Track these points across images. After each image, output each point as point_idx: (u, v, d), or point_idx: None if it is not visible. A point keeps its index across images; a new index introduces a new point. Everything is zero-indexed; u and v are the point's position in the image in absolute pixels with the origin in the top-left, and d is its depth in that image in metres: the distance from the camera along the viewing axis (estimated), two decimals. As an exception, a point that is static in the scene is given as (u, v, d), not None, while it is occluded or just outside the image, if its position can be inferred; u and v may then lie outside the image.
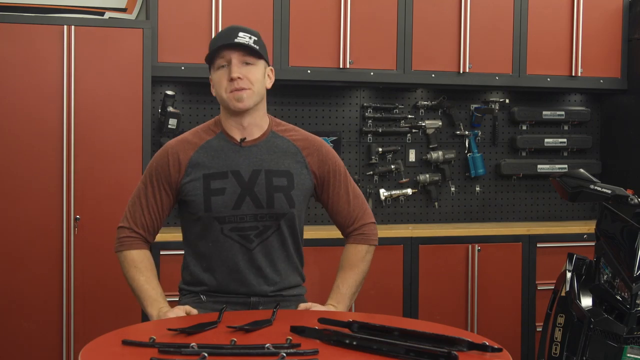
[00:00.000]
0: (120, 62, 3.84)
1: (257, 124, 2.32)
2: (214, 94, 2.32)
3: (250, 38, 2.24)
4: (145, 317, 3.89)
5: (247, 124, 2.30)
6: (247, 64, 2.24)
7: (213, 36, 3.98)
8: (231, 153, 2.29)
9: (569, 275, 3.00)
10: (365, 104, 4.61)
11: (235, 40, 2.22)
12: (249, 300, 2.31)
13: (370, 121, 4.61)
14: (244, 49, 2.23)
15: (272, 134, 2.34)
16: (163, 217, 2.35)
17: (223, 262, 2.30)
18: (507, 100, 4.79)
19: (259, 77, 2.26)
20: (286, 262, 2.35)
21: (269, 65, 2.33)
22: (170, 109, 4.14)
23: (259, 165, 2.29)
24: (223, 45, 2.23)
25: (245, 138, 2.30)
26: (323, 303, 2.34)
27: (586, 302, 2.89)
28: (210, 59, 2.27)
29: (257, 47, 2.25)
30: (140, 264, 2.31)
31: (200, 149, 2.30)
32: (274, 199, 2.28)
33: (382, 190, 4.61)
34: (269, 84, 2.33)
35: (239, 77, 2.22)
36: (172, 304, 2.42)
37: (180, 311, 2.17)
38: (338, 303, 2.34)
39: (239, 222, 2.27)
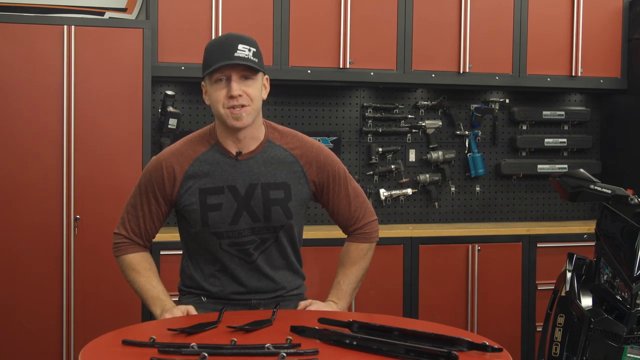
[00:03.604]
0: (120, 62, 3.84)
1: (253, 136, 2.27)
2: (207, 102, 2.26)
3: (249, 50, 2.17)
4: (145, 317, 3.91)
5: (243, 137, 2.25)
6: (246, 78, 2.18)
7: (213, 36, 4.00)
8: (227, 167, 2.25)
9: (569, 275, 3.00)
10: (365, 104, 4.61)
11: (236, 54, 2.14)
12: (249, 302, 2.32)
13: (370, 121, 4.61)
14: (245, 67, 2.16)
15: (268, 144, 2.29)
16: (158, 226, 2.35)
17: (223, 274, 2.30)
18: (507, 100, 4.79)
19: (257, 93, 2.20)
20: (286, 268, 2.36)
21: (265, 75, 2.26)
22: (170, 109, 4.13)
23: (256, 179, 2.25)
24: (225, 64, 2.14)
25: (241, 152, 2.26)
26: (323, 301, 2.34)
27: (586, 302, 2.89)
28: (207, 73, 2.18)
29: (257, 61, 2.18)
30: (138, 266, 2.32)
31: (195, 162, 2.26)
32: (271, 212, 2.25)
33: (382, 190, 4.61)
34: (265, 94, 2.26)
35: (239, 95, 2.16)
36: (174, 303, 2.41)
37: (182, 310, 2.19)
38: (339, 299, 2.34)
39: (237, 237, 2.26)
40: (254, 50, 2.19)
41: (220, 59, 2.15)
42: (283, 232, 2.30)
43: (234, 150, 2.26)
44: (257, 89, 2.21)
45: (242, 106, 2.17)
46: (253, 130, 2.26)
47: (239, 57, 2.15)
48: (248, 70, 2.17)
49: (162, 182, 2.26)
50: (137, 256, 2.33)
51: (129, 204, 2.34)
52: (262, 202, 2.25)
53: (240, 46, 2.16)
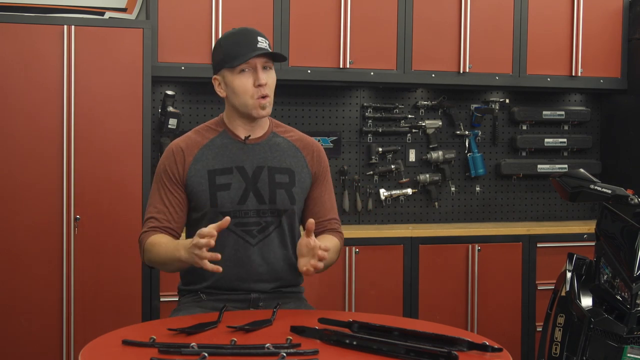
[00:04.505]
0: (120, 62, 3.84)
1: (262, 124, 2.39)
2: (222, 94, 2.35)
3: (266, 42, 2.30)
4: (145, 317, 3.92)
5: (254, 125, 2.36)
6: (266, 68, 2.31)
7: (213, 36, 4.00)
8: (236, 150, 2.34)
9: (569, 275, 3.00)
10: (365, 104, 4.61)
11: (258, 45, 2.27)
12: (249, 297, 2.32)
13: (370, 121, 4.61)
14: (270, 56, 2.30)
15: (272, 134, 2.40)
16: (177, 216, 2.32)
17: (225, 258, 2.30)
18: (507, 100, 4.79)
19: (274, 84, 2.34)
20: (285, 260, 2.37)
21: None
22: (170, 109, 4.13)
23: (262, 162, 2.34)
24: (258, 53, 2.25)
25: (249, 135, 2.35)
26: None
27: (586, 302, 2.89)
28: (236, 63, 2.26)
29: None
30: (155, 240, 2.26)
31: (204, 147, 2.34)
32: (276, 195, 2.32)
33: (382, 190, 4.61)
34: None
35: (265, 83, 2.28)
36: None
37: (199, 236, 2.03)
38: None
39: (242, 217, 2.31)
40: (268, 42, 2.33)
41: (246, 50, 2.26)
42: (286, 218, 2.34)
43: (242, 135, 2.36)
44: (275, 79, 2.34)
45: (267, 96, 2.30)
46: (263, 120, 2.39)
47: (262, 48, 2.28)
48: (272, 59, 2.32)
49: (174, 166, 2.32)
50: (155, 236, 2.28)
51: (148, 203, 2.36)
52: (268, 185, 2.32)
53: (259, 38, 2.30)
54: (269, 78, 2.30)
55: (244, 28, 2.34)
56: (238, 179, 2.31)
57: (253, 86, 2.28)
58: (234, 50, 2.27)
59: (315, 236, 2.39)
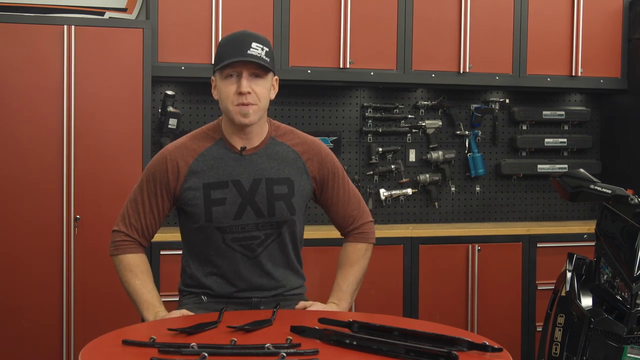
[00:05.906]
0: (120, 62, 3.84)
1: (258, 132, 2.29)
2: (215, 97, 2.28)
3: (262, 49, 2.19)
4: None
5: (249, 133, 2.27)
6: (257, 76, 2.20)
7: (213, 36, 4.00)
8: (231, 162, 2.27)
9: (569, 275, 3.00)
10: (365, 104, 4.61)
11: (249, 52, 2.17)
12: (250, 301, 2.31)
13: (370, 121, 4.61)
14: (257, 64, 2.18)
15: (271, 141, 2.31)
16: (159, 222, 2.33)
17: (225, 270, 2.29)
18: (507, 100, 4.79)
19: (265, 92, 2.23)
20: (287, 267, 2.36)
21: (275, 75, 2.29)
22: (170, 109, 4.14)
23: (260, 174, 2.27)
24: (238, 60, 2.16)
25: (245, 147, 2.28)
26: (324, 302, 2.34)
27: (586, 302, 2.89)
28: (219, 67, 2.20)
29: (268, 60, 2.21)
30: (135, 268, 2.29)
31: (199, 157, 2.27)
32: (275, 208, 2.27)
33: (382, 190, 4.61)
34: (273, 94, 2.29)
35: (248, 92, 2.18)
36: (172, 305, 2.43)
37: (177, 314, 2.17)
38: (340, 301, 2.34)
39: (240, 232, 2.26)
40: (267, 50, 2.22)
41: (233, 55, 2.17)
42: (286, 228, 2.30)
43: (238, 146, 2.28)
44: (266, 88, 2.23)
45: (250, 104, 2.19)
46: (258, 127, 2.28)
47: (251, 55, 2.17)
48: (259, 68, 2.20)
49: (165, 175, 2.26)
50: (135, 257, 2.30)
51: (130, 200, 2.32)
52: (267, 197, 2.26)
53: (254, 44, 2.19)
54: (257, 86, 2.19)
55: (244, 32, 2.25)
56: (234, 193, 2.24)
57: (235, 93, 2.19)
58: (224, 54, 2.20)
59: (343, 230, 2.47)
